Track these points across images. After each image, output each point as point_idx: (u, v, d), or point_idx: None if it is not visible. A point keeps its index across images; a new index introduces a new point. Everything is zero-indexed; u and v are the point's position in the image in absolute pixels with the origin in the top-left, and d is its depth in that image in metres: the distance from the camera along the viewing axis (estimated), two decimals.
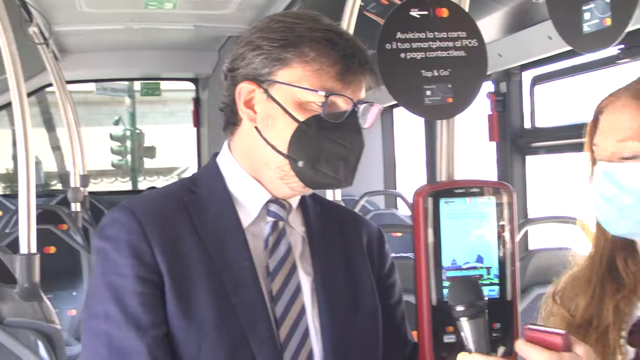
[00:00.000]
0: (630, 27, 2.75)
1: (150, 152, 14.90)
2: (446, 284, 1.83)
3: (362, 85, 1.40)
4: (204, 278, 1.35)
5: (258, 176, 1.44)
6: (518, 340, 1.29)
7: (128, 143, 15.25)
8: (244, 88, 1.40)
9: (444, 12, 1.93)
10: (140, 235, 1.34)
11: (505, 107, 4.37)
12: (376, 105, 1.44)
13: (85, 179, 5.16)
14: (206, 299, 1.34)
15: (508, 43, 3.80)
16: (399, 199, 6.28)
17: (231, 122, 1.47)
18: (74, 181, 5.19)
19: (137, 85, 13.15)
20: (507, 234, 1.86)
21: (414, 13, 1.92)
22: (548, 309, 1.55)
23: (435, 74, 1.91)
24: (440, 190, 1.85)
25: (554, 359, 1.23)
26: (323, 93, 1.35)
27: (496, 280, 1.85)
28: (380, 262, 1.62)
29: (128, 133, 15.25)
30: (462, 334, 1.32)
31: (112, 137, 14.81)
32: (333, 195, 3.10)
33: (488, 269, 1.85)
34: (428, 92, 1.91)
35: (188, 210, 1.41)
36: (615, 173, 1.26)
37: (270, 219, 1.45)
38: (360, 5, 2.86)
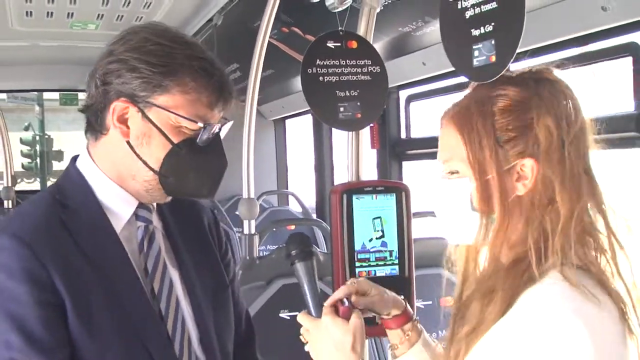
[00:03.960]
0: None
1: (59, 155, 14.47)
2: (358, 264, 2.03)
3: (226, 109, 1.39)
4: (97, 288, 1.28)
5: (123, 185, 1.38)
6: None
7: (37, 147, 14.78)
8: (118, 106, 1.32)
9: (354, 44, 2.10)
10: (33, 260, 1.23)
11: (385, 120, 4.57)
12: (229, 121, 1.42)
13: (13, 179, 5.09)
14: (102, 309, 1.27)
15: (388, 67, 3.94)
16: (290, 197, 6.40)
17: (97, 129, 1.38)
18: (7, 181, 5.09)
19: (48, 95, 12.76)
20: (404, 224, 2.08)
21: (330, 44, 2.08)
22: None
23: (347, 94, 2.07)
24: (353, 188, 2.06)
25: (310, 324, 1.31)
26: (201, 124, 1.32)
27: (396, 261, 2.07)
28: (219, 242, 1.58)
29: (37, 138, 14.78)
30: (298, 277, 1.37)
31: (22, 142, 14.31)
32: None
33: (390, 252, 2.07)
34: (342, 109, 2.07)
35: (66, 226, 1.31)
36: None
37: (140, 223, 1.40)
38: None
